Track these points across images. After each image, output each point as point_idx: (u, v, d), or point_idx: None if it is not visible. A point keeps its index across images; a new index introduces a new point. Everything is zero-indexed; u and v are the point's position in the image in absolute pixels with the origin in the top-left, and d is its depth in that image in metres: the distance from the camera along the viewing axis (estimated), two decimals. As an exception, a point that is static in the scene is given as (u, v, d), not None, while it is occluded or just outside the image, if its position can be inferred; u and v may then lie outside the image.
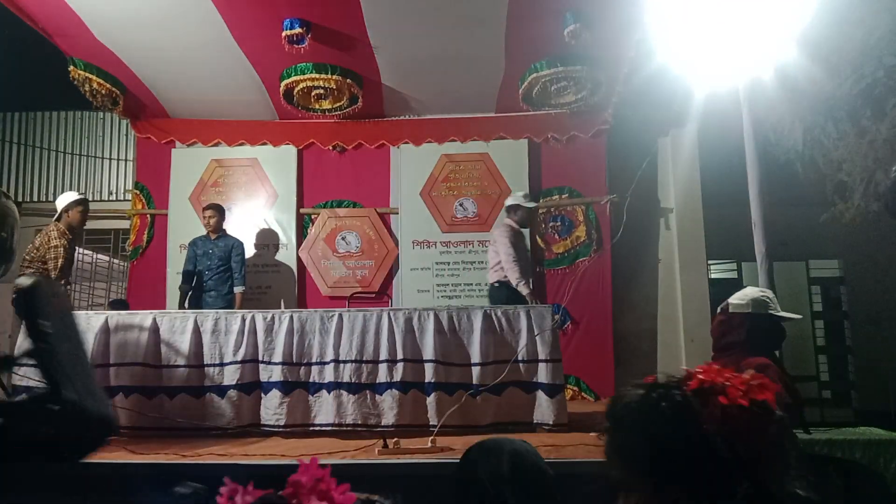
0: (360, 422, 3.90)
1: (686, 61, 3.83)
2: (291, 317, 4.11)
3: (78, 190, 6.70)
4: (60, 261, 4.59)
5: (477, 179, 6.19)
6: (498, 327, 4.05)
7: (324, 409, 3.94)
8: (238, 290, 5.46)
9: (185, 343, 4.06)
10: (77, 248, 5.08)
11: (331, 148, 6.29)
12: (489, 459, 1.60)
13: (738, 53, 3.51)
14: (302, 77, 5.31)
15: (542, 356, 3.98)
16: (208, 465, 3.04)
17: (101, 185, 6.76)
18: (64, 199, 4.90)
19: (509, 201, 5.40)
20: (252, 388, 4.00)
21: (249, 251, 6.06)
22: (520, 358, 3.97)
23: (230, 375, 4.01)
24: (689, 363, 3.55)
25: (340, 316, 4.09)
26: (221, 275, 5.45)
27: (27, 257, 4.67)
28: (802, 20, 3.43)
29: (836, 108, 4.35)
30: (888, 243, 5.22)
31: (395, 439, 3.32)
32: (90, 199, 6.66)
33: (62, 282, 4.65)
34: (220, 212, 5.56)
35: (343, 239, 6.18)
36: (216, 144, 6.34)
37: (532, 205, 5.42)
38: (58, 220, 4.83)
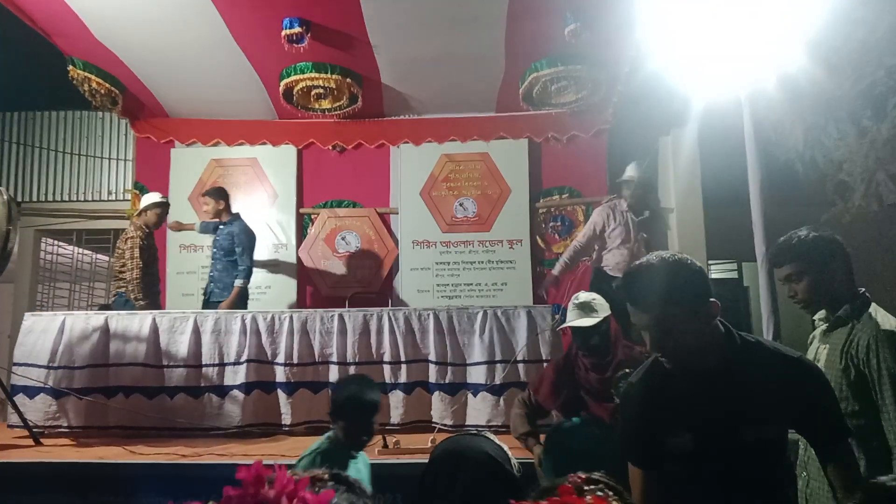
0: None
1: (686, 61, 3.83)
2: (292, 317, 4.11)
3: (78, 190, 6.73)
4: (136, 250, 4.78)
5: (477, 179, 6.18)
6: (498, 327, 4.05)
7: (323, 409, 3.94)
8: (237, 283, 4.85)
9: (184, 343, 4.06)
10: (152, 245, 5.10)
11: (330, 148, 6.28)
12: (449, 473, 1.57)
13: (738, 53, 3.50)
14: (301, 76, 5.29)
15: (543, 356, 3.98)
16: (209, 465, 3.03)
17: (101, 185, 6.75)
18: (145, 200, 5.12)
19: (626, 173, 4.91)
20: (254, 387, 4.00)
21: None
22: (520, 358, 3.97)
23: (231, 376, 4.01)
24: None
25: (341, 316, 4.10)
26: (227, 264, 4.97)
27: (117, 264, 4.88)
28: (803, 21, 3.42)
29: (837, 109, 4.35)
30: (888, 243, 5.21)
31: (396, 439, 3.32)
32: (90, 199, 6.72)
33: (136, 271, 4.72)
34: (215, 197, 5.13)
35: (343, 239, 6.17)
36: (216, 144, 6.33)
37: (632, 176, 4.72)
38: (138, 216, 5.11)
